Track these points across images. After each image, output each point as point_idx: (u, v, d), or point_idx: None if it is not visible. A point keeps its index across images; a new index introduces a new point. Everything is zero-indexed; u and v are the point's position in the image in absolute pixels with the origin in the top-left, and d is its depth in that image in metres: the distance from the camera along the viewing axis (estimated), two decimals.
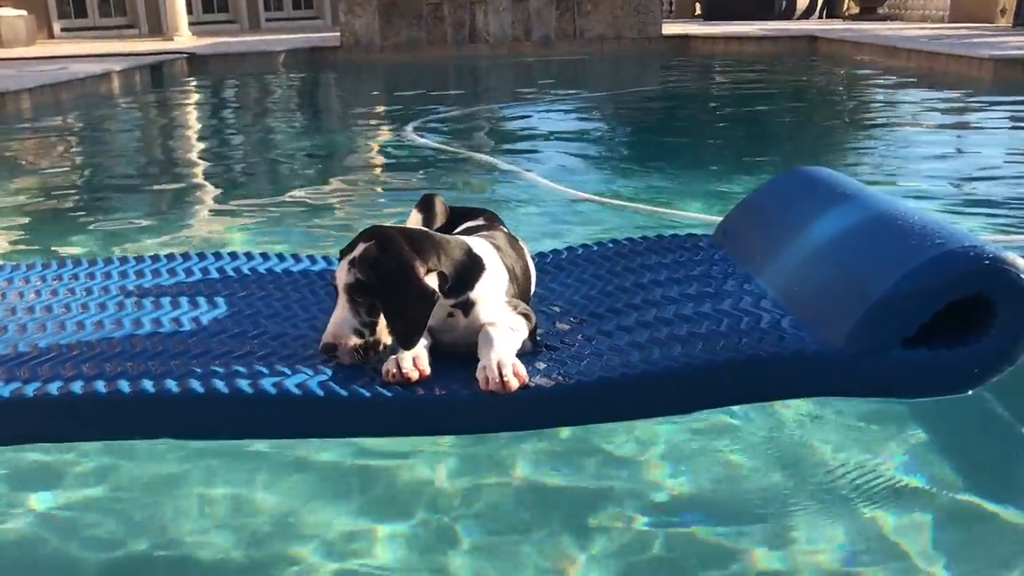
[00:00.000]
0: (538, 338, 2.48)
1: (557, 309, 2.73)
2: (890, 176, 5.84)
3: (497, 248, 2.54)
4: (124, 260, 3.09)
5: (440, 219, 2.83)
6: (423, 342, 2.26)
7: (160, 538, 2.24)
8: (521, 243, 2.79)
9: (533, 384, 2.17)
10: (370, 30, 14.42)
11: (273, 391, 2.13)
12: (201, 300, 2.79)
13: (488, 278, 2.37)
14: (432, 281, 2.21)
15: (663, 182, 5.41)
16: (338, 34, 14.86)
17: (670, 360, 2.27)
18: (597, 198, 5.03)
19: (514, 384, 2.13)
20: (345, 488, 2.47)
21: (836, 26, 14.99)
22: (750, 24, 15.83)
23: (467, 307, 2.33)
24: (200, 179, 6.53)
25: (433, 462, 2.59)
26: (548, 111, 9.39)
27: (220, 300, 2.79)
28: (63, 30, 17.36)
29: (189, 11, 17.53)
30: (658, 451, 2.62)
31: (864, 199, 2.85)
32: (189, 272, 3.04)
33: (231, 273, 3.05)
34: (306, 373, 2.22)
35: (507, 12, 14.74)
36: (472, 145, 6.80)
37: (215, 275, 3.03)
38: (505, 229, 2.84)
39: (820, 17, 19.33)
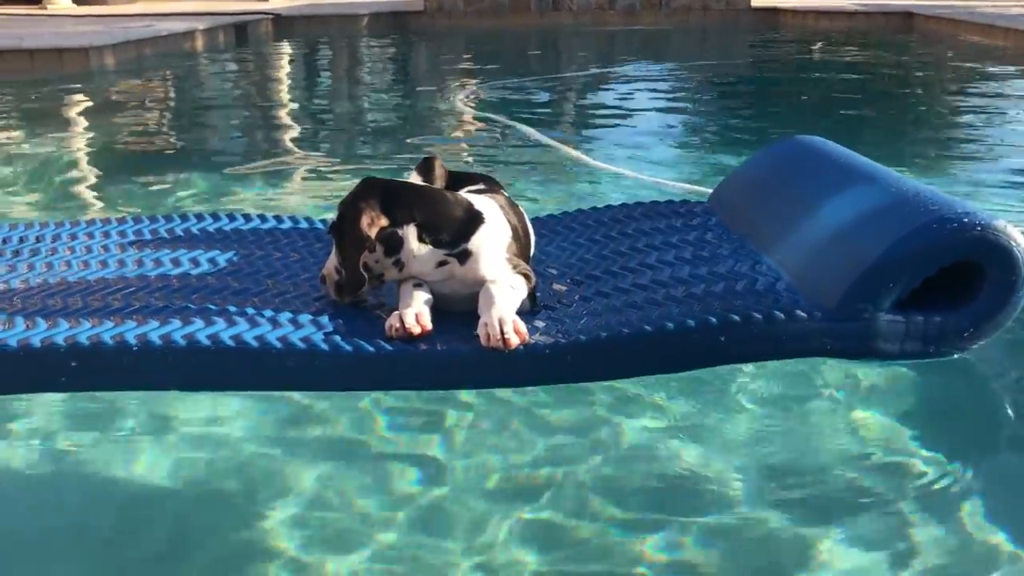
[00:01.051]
0: (537, 296, 2.55)
1: (554, 271, 2.82)
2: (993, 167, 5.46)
3: (501, 207, 2.63)
4: (153, 219, 3.24)
5: (439, 182, 2.90)
6: (424, 296, 2.38)
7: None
8: (520, 208, 2.86)
9: (532, 341, 2.24)
10: None
11: (279, 345, 2.24)
12: (214, 257, 2.90)
13: (487, 231, 2.47)
14: (412, 233, 2.36)
15: (729, 160, 5.25)
16: None
17: (667, 319, 2.33)
18: (631, 173, 4.94)
19: (515, 341, 2.22)
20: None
21: (936, 1, 14.33)
22: None
23: (463, 257, 2.42)
24: (266, 137, 6.68)
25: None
26: (619, 83, 9.30)
27: (229, 258, 2.90)
28: None
29: None
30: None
31: (858, 168, 2.89)
32: (209, 231, 3.13)
33: (245, 232, 3.16)
34: (310, 328, 2.33)
35: None
36: (534, 120, 6.73)
37: (230, 233, 3.13)
38: (505, 194, 2.90)
39: None
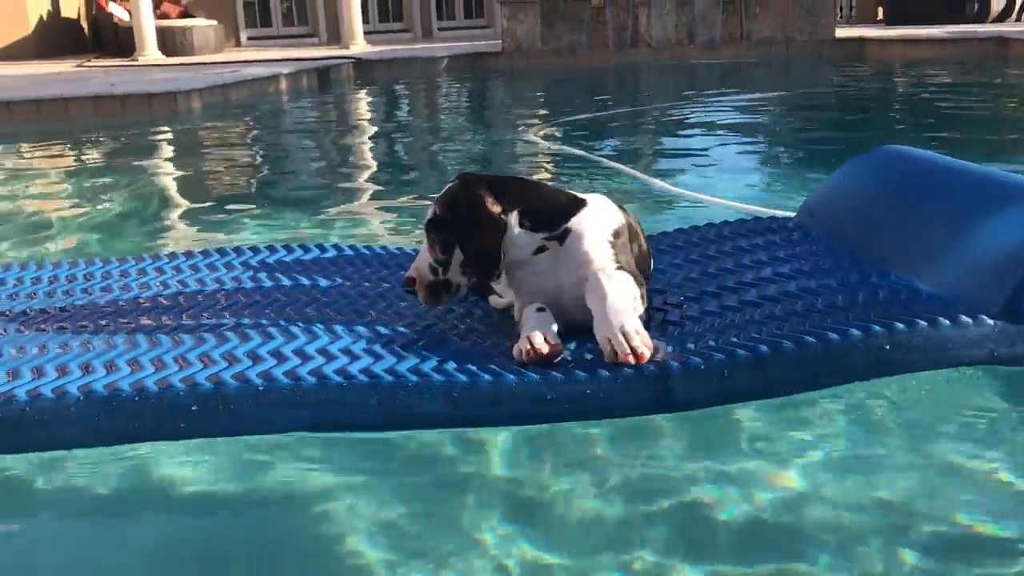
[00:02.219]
0: (651, 313, 2.42)
1: (660, 289, 2.71)
2: None
3: (611, 203, 2.50)
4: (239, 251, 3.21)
5: None
6: (547, 316, 2.24)
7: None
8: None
9: (685, 358, 2.09)
10: (531, 35, 14.48)
11: (415, 378, 2.10)
12: (304, 286, 2.86)
13: (591, 213, 2.35)
14: (513, 219, 2.27)
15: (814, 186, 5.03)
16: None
17: (800, 333, 2.17)
18: (710, 198, 4.76)
19: (646, 354, 2.06)
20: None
21: None
22: (936, 28, 14.81)
23: (563, 237, 2.31)
24: (345, 173, 6.69)
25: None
26: (698, 114, 9.10)
27: (321, 287, 2.85)
28: (249, 39, 18.38)
29: (366, 20, 18.18)
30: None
31: (976, 172, 2.76)
32: (299, 262, 3.12)
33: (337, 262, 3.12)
34: (435, 359, 2.19)
35: (671, 15, 14.45)
36: (615, 153, 6.63)
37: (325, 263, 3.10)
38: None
39: (1018, 20, 17.90)
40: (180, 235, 4.84)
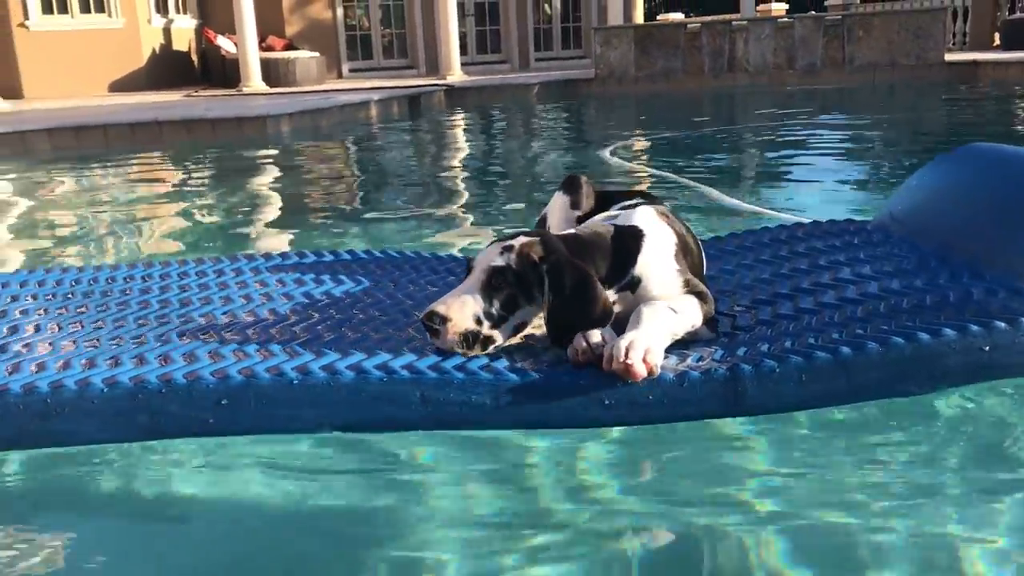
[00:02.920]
0: (717, 321, 2.22)
1: (728, 291, 2.55)
2: None
3: (663, 214, 2.34)
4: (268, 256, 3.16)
5: (587, 201, 2.67)
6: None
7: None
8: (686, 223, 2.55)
9: (757, 361, 1.93)
10: (625, 61, 14.34)
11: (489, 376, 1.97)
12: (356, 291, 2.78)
13: (651, 245, 2.18)
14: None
15: None
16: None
17: (887, 334, 1.98)
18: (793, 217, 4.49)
19: (640, 371, 1.89)
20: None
21: None
22: None
23: (634, 286, 2.14)
24: (427, 194, 6.66)
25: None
26: (795, 139, 8.75)
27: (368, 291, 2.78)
28: (351, 70, 18.81)
29: (464, 52, 18.41)
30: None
31: None
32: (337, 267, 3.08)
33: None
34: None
35: (769, 39, 14.10)
36: (711, 177, 6.40)
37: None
38: (666, 205, 2.59)
39: None
40: (249, 244, 4.87)
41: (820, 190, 5.68)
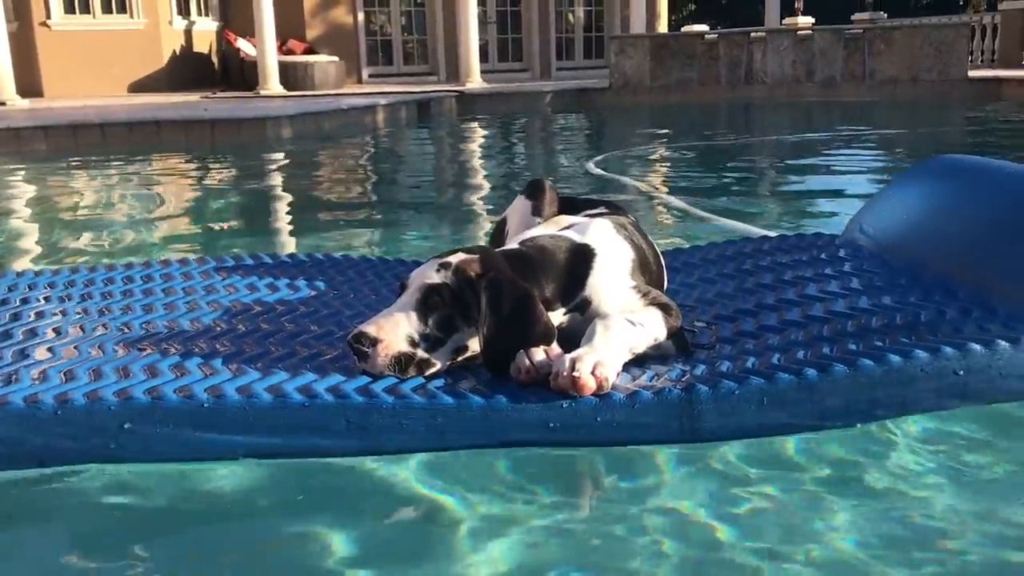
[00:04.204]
0: (689, 334, 2.13)
1: (688, 306, 2.45)
2: None
3: (621, 227, 2.24)
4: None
5: (549, 207, 2.57)
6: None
7: None
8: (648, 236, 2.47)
9: (715, 383, 1.83)
10: (640, 70, 14.19)
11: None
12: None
13: (602, 264, 2.07)
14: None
15: None
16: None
17: (855, 356, 1.88)
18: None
19: (589, 384, 1.78)
20: None
21: None
22: None
23: (583, 307, 2.04)
24: (419, 197, 6.58)
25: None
26: (805, 151, 8.56)
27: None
28: (370, 76, 18.81)
29: (484, 59, 18.34)
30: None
31: None
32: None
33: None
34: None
35: (788, 51, 13.88)
36: (672, 184, 6.27)
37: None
38: (630, 217, 2.52)
39: None
40: (219, 246, 4.78)
41: (812, 206, 5.52)
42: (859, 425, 1.89)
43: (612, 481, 1.87)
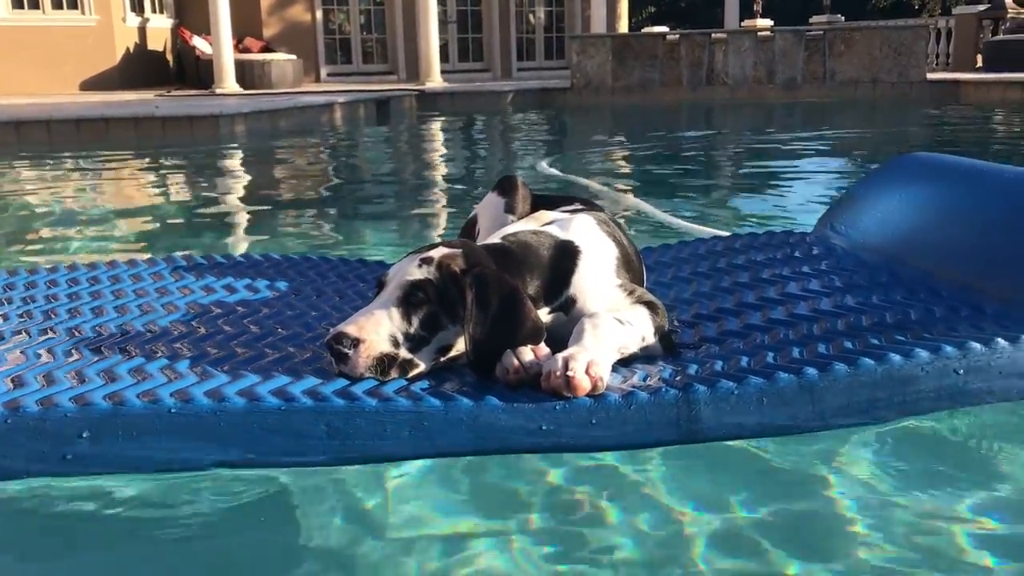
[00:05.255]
0: (675, 332, 2.05)
1: (670, 306, 2.31)
2: None
3: (603, 223, 2.15)
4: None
5: (522, 204, 2.47)
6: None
7: None
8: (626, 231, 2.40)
9: (708, 383, 1.74)
10: (602, 71, 14.11)
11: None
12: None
13: (586, 262, 1.97)
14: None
15: None
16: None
17: (854, 354, 1.82)
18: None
19: (583, 384, 1.68)
20: None
21: None
22: None
23: (567, 306, 1.94)
24: (365, 197, 6.47)
25: None
26: (763, 151, 8.53)
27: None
28: (329, 75, 18.55)
29: (445, 59, 18.18)
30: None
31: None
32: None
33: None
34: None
35: (749, 52, 13.89)
36: (626, 183, 6.19)
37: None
38: (609, 214, 2.43)
39: None
40: (169, 246, 4.60)
41: (768, 204, 5.45)
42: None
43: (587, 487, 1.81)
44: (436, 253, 1.87)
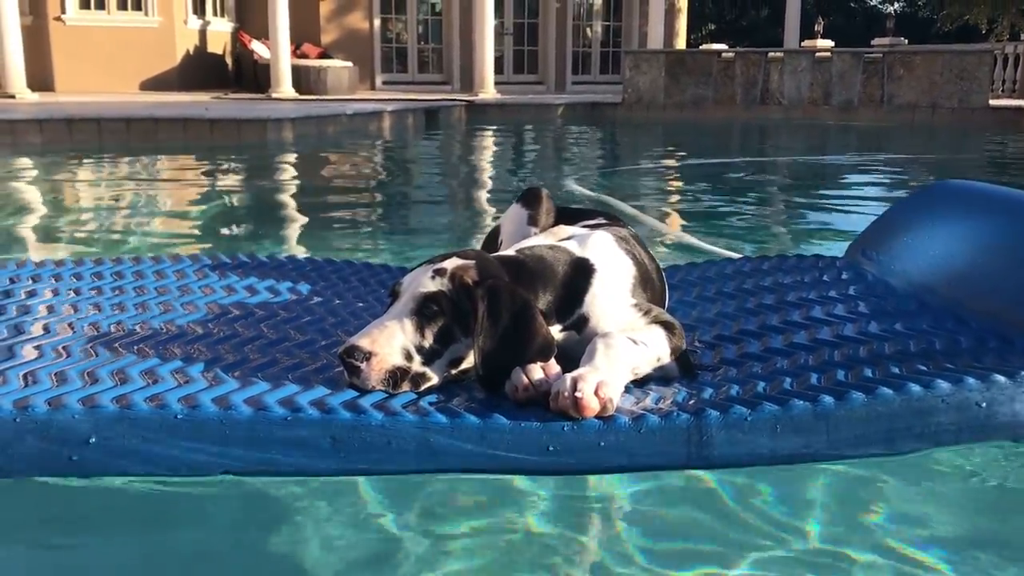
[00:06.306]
0: (693, 354, 1.98)
1: (691, 326, 2.27)
2: None
3: (622, 240, 2.09)
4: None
5: (545, 216, 2.42)
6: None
7: None
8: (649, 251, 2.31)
9: (718, 409, 1.68)
10: (654, 87, 14.00)
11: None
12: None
13: (601, 281, 1.92)
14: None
15: None
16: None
17: (872, 383, 1.75)
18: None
19: (592, 405, 1.62)
20: None
21: None
22: None
23: (580, 325, 1.89)
24: (403, 204, 6.45)
25: None
26: (814, 172, 8.32)
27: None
28: (384, 83, 18.72)
29: (500, 71, 18.23)
30: None
31: None
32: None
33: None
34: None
35: (806, 73, 13.66)
36: (650, 204, 6.07)
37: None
38: (630, 229, 2.36)
39: None
40: (207, 246, 4.65)
41: (818, 230, 5.34)
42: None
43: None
44: (449, 264, 1.83)
